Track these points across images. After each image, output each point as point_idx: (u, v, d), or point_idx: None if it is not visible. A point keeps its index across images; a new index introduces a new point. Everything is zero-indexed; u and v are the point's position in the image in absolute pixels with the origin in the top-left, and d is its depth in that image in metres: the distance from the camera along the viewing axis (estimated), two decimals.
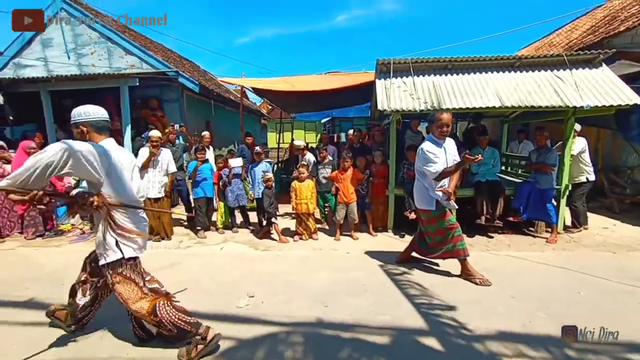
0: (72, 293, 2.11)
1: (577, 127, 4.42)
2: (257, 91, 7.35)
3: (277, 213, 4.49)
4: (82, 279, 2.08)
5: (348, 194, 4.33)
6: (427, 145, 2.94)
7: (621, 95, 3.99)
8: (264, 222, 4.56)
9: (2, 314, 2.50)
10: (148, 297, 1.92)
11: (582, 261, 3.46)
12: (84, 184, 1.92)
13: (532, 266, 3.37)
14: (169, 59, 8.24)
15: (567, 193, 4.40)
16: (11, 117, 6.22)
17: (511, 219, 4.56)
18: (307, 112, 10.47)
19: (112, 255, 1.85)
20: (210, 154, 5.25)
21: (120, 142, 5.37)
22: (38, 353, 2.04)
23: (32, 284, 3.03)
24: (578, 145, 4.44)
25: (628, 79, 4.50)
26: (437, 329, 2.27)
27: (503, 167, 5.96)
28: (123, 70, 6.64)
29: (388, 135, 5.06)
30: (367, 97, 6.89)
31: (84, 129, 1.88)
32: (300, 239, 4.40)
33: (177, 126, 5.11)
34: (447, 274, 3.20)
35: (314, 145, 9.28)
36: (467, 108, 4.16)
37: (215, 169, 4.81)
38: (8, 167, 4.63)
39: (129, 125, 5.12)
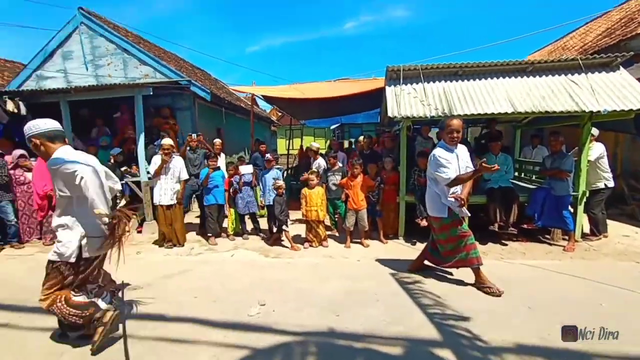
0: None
1: (595, 132, 4.31)
2: (268, 99, 7.44)
3: (288, 220, 4.50)
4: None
5: (358, 200, 4.31)
6: (438, 151, 2.91)
7: None
8: (275, 229, 4.57)
9: (23, 320, 2.56)
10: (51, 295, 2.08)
11: (602, 271, 3.34)
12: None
13: (548, 275, 3.27)
14: (181, 68, 8.44)
15: (584, 200, 4.27)
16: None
17: (525, 226, 4.45)
18: (317, 119, 10.54)
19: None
20: (222, 161, 5.33)
21: (134, 150, 5.50)
22: None
23: None
24: (596, 150, 4.32)
25: None
26: (451, 340, 2.22)
27: (516, 173, 5.85)
28: (137, 80, 6.82)
29: (398, 142, 5.04)
30: (377, 103, 6.89)
31: (37, 141, 2.01)
32: (311, 246, 4.39)
33: (194, 135, 5.25)
34: (460, 282, 3.13)
35: (323, 152, 9.31)
36: (479, 114, 4.11)
37: (226, 175, 4.88)
38: (29, 175, 4.80)
39: (143, 134, 5.24)
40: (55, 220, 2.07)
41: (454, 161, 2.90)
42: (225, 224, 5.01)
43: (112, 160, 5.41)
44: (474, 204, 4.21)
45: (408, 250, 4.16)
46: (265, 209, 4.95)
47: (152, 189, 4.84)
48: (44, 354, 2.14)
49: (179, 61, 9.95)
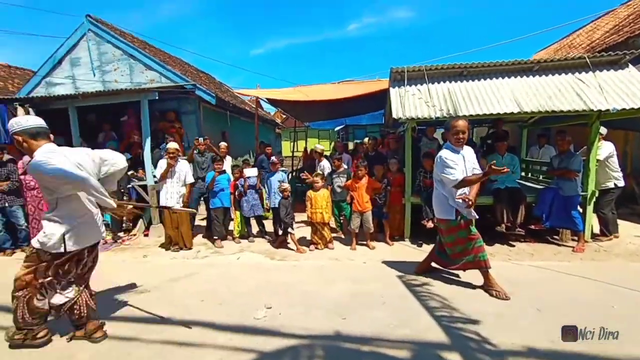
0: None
1: (603, 130, 4.24)
2: (272, 101, 7.48)
3: (294, 223, 4.51)
4: None
5: (362, 202, 4.29)
6: (445, 153, 2.89)
7: None
8: (280, 232, 4.57)
9: None
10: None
11: (613, 272, 3.27)
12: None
13: (558, 277, 3.22)
14: (186, 72, 8.53)
15: (593, 199, 4.20)
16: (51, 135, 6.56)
17: (533, 227, 4.39)
18: (321, 121, 10.55)
19: None
20: (227, 164, 5.36)
21: (141, 154, 5.56)
22: None
23: None
24: (605, 149, 4.25)
25: None
26: (459, 343, 2.19)
27: (523, 173, 5.78)
28: (143, 85, 6.91)
29: (403, 143, 5.02)
30: (381, 104, 6.88)
31: (19, 138, 2.06)
32: (316, 248, 4.39)
33: (201, 139, 5.30)
34: (468, 285, 3.09)
35: (328, 153, 9.31)
36: (484, 114, 4.07)
37: (232, 178, 4.90)
38: None
39: (149, 138, 5.30)
40: (45, 215, 2.16)
41: (461, 162, 2.88)
42: (231, 227, 5.04)
43: None
44: (480, 205, 4.16)
45: (414, 252, 4.14)
46: (271, 211, 4.95)
47: (158, 192, 4.89)
48: (55, 357, 2.16)
49: (184, 65, 10.06)
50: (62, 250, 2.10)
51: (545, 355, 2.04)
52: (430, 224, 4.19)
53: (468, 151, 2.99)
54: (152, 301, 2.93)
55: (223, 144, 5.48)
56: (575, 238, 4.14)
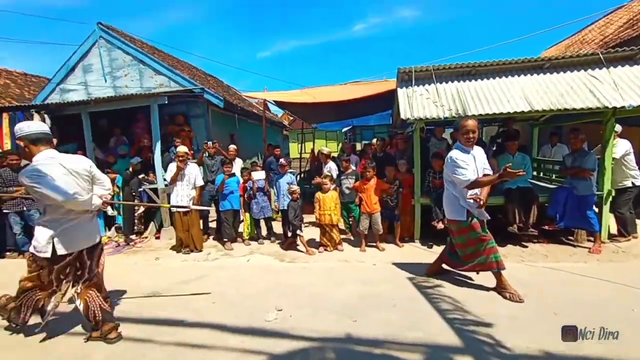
0: None
1: (618, 128, 4.13)
2: (279, 104, 7.51)
3: (303, 225, 4.51)
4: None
5: (371, 204, 4.27)
6: (455, 153, 2.86)
7: None
8: (289, 234, 4.58)
9: (52, 323, 2.65)
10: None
11: (633, 273, 3.18)
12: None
13: (573, 279, 3.13)
14: (194, 76, 8.65)
15: (610, 199, 4.09)
16: (54, 140, 6.74)
17: (546, 227, 4.30)
18: (328, 122, 10.54)
19: None
20: (237, 166, 5.40)
21: (151, 158, 5.65)
22: None
23: None
24: (621, 147, 4.14)
25: None
26: (473, 347, 2.16)
27: (535, 173, 5.67)
28: (153, 90, 7.02)
29: (411, 143, 4.98)
30: (389, 104, 6.84)
31: (21, 143, 2.14)
32: (325, 250, 4.38)
33: (210, 143, 5.37)
34: (481, 287, 3.04)
35: (336, 155, 9.30)
36: (494, 114, 4.01)
37: (241, 180, 4.94)
38: None
39: (159, 142, 5.38)
40: (36, 220, 2.28)
41: (471, 162, 2.84)
42: (240, 229, 5.07)
43: (130, 169, 5.57)
44: (491, 205, 4.10)
45: (424, 254, 4.09)
46: (280, 213, 4.97)
47: (169, 195, 4.96)
48: (71, 356, 2.21)
49: (192, 69, 10.20)
50: (49, 255, 2.14)
51: None
52: (440, 225, 4.14)
53: (478, 151, 2.95)
54: (164, 303, 2.97)
55: (232, 147, 5.52)
56: (591, 239, 4.03)
